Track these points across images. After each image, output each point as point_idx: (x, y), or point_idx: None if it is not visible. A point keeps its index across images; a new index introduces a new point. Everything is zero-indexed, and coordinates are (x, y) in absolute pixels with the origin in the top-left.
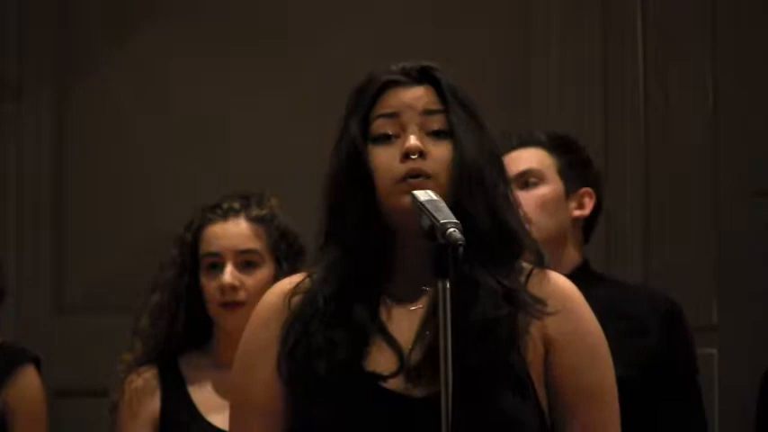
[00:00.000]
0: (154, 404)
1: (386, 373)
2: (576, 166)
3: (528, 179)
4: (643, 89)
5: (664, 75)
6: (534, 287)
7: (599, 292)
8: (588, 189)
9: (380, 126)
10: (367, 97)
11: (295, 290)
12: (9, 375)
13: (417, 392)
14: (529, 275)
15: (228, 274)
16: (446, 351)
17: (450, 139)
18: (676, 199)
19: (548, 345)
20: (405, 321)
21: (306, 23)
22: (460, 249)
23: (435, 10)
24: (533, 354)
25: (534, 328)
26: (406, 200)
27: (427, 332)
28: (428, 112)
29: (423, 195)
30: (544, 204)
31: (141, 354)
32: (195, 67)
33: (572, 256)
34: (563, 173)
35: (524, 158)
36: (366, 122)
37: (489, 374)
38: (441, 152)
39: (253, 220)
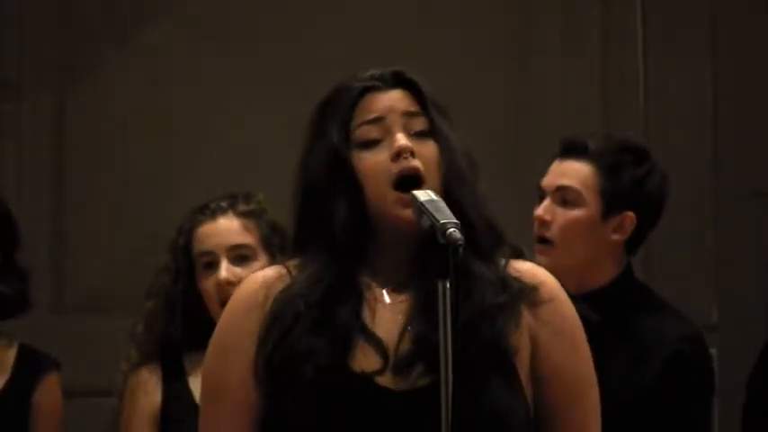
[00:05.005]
0: (155, 399)
1: (372, 369)
2: (624, 188)
3: (565, 196)
4: (643, 89)
5: (664, 74)
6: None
7: (625, 316)
8: (630, 213)
9: (366, 132)
10: (344, 105)
11: (274, 286)
12: (39, 380)
13: (406, 385)
14: (506, 267)
15: (224, 269)
16: (446, 351)
17: (432, 138)
18: (676, 199)
19: (533, 339)
20: (389, 315)
21: (306, 24)
22: (460, 249)
23: (435, 10)
24: (520, 347)
25: (522, 322)
26: (404, 211)
27: (411, 325)
28: (409, 114)
29: (423, 195)
30: (574, 228)
31: (137, 360)
32: (195, 67)
33: (606, 273)
34: (606, 194)
35: (567, 173)
36: (346, 130)
37: (482, 365)
38: (428, 151)
39: (241, 215)
